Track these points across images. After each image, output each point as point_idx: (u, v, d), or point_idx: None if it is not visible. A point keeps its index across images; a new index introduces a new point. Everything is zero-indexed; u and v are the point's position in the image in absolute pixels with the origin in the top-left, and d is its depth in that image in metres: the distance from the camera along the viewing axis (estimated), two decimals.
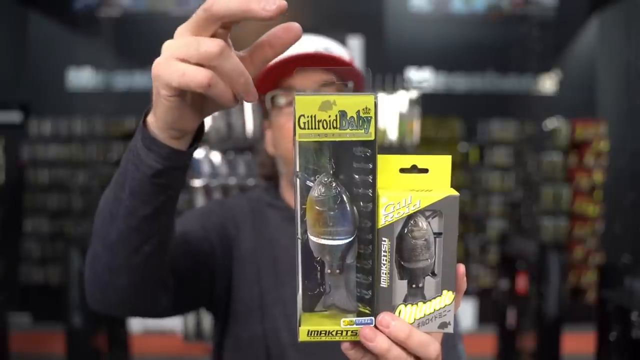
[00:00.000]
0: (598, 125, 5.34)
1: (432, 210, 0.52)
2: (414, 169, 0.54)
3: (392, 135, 3.02)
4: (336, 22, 4.76)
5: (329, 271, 0.52)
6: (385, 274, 0.52)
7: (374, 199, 0.50)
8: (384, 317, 0.51)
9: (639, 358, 2.58)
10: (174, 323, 4.31)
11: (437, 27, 5.58)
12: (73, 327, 3.32)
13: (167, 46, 0.51)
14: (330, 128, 0.48)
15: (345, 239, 0.50)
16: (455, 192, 0.51)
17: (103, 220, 0.67)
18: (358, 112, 0.48)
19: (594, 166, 5.36)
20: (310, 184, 0.50)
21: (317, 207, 0.50)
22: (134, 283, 0.70)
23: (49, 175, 5.41)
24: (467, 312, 5.14)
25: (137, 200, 0.61)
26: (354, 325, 0.52)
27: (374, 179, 0.50)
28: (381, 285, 0.52)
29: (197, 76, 0.48)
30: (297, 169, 0.51)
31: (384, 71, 3.52)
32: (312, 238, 0.51)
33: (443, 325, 0.53)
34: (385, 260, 0.51)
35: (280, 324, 0.93)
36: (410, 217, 0.51)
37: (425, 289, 0.53)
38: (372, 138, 0.49)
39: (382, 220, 0.51)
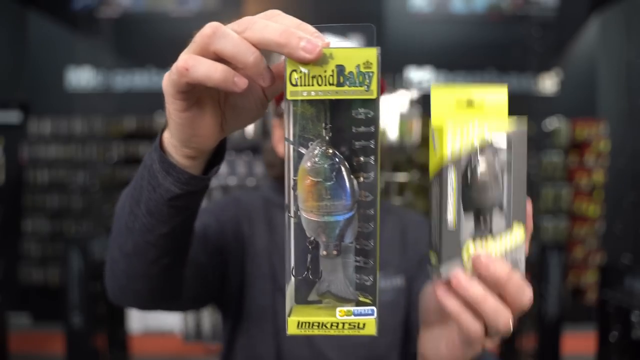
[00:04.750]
0: (598, 125, 5.34)
1: (499, 141, 0.45)
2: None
3: (392, 135, 3.01)
4: (336, 22, 4.75)
5: (324, 253, 0.46)
6: (452, 208, 0.45)
7: (376, 168, 0.44)
8: (483, 256, 0.44)
9: (639, 358, 2.58)
10: (174, 323, 4.31)
11: (437, 27, 5.57)
12: (73, 327, 3.31)
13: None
14: (326, 85, 0.42)
15: (344, 214, 0.44)
16: (524, 126, 0.46)
17: (119, 229, 0.65)
18: (358, 66, 0.42)
19: (594, 166, 5.35)
20: (304, 152, 0.45)
21: (310, 178, 0.44)
22: (152, 288, 0.70)
23: (48, 175, 5.41)
24: None
25: (153, 220, 0.59)
26: (352, 317, 0.45)
27: (377, 144, 0.44)
28: (448, 223, 0.45)
29: (175, 64, 0.44)
30: (289, 135, 0.45)
31: (384, 71, 3.52)
32: (305, 215, 0.45)
33: (515, 263, 0.46)
34: (451, 194, 0.44)
35: None
36: (478, 146, 0.45)
37: (494, 224, 0.46)
38: (375, 96, 0.43)
39: (449, 149, 0.44)
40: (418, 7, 5.56)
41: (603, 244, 5.31)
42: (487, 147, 0.45)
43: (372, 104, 0.44)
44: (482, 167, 0.44)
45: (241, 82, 0.44)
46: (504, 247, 0.45)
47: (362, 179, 0.45)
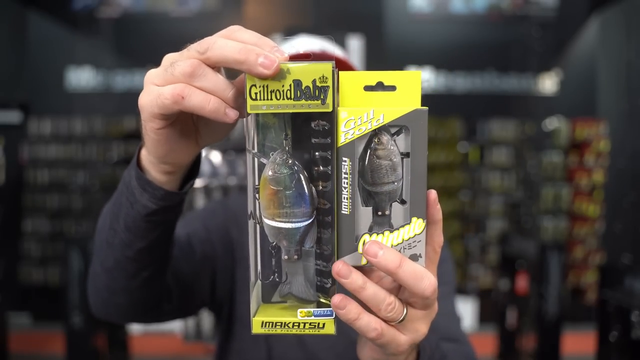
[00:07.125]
0: (598, 125, 5.34)
1: (398, 127, 0.46)
2: (379, 87, 0.48)
3: None
4: (336, 22, 4.76)
5: (285, 257, 0.48)
6: (347, 199, 0.46)
7: (333, 178, 0.46)
8: (372, 245, 0.45)
9: (639, 358, 2.58)
10: (174, 323, 4.31)
11: (437, 27, 5.57)
12: (73, 328, 3.31)
13: (148, 75, 0.50)
14: (283, 99, 0.44)
15: (303, 221, 0.46)
16: (424, 107, 0.46)
17: (100, 244, 0.66)
18: (314, 81, 0.44)
19: (594, 166, 5.35)
20: (266, 161, 0.47)
21: (271, 187, 0.46)
22: (134, 301, 0.71)
23: (48, 175, 5.41)
24: (467, 312, 5.13)
25: (131, 235, 0.61)
26: (312, 317, 0.47)
27: (333, 154, 0.46)
28: (342, 212, 0.46)
29: (169, 91, 0.46)
30: (249, 146, 0.47)
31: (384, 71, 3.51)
32: (267, 221, 0.47)
33: (413, 257, 0.47)
34: (347, 183, 0.46)
35: None
36: (373, 134, 0.46)
37: (393, 217, 0.47)
38: (330, 109, 0.44)
39: (342, 138, 0.45)
40: (418, 7, 5.56)
41: (603, 244, 5.31)
42: (382, 135, 0.46)
43: (327, 117, 0.45)
44: (377, 154, 0.46)
45: (232, 114, 0.46)
46: (401, 237, 0.47)
47: (320, 187, 0.47)
